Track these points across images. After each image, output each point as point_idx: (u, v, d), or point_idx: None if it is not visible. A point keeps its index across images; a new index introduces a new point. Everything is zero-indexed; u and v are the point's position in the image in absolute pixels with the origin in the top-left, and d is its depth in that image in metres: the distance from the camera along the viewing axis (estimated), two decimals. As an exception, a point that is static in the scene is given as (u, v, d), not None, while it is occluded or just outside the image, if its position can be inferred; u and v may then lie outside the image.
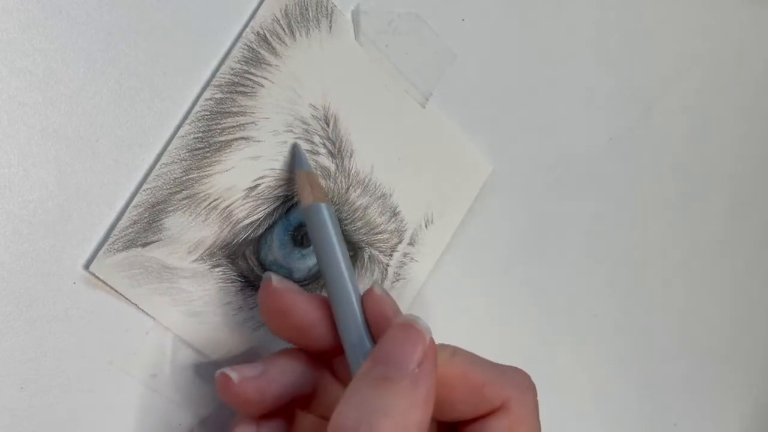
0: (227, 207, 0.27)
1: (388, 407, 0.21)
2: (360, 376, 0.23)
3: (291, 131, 0.28)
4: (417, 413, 0.22)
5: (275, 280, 0.26)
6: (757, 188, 0.46)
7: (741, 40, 0.43)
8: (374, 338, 0.25)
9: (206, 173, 0.27)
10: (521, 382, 0.25)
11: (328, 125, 0.29)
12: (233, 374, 0.25)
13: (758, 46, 0.43)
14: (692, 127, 0.42)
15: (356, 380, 0.23)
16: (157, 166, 0.26)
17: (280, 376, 0.26)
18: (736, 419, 0.49)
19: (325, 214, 0.26)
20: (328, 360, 0.27)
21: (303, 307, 0.26)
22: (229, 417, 0.29)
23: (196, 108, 0.26)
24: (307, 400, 0.27)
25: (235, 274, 0.28)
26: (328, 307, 0.26)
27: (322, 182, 0.29)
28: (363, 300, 0.25)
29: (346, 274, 0.26)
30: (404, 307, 0.32)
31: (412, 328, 0.23)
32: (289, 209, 0.28)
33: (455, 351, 0.25)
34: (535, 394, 0.25)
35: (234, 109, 0.27)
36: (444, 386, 0.24)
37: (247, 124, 0.27)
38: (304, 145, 0.28)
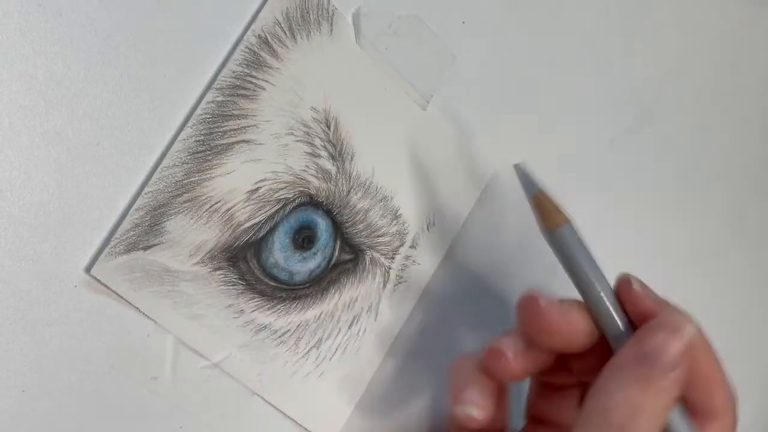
0: (228, 210, 0.27)
1: (648, 406, 0.24)
2: (624, 367, 0.25)
3: (292, 134, 0.28)
4: (668, 411, 0.25)
5: (543, 301, 0.27)
6: (757, 188, 0.46)
7: (741, 40, 0.43)
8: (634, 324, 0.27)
9: (207, 176, 0.27)
10: (732, 401, 0.28)
11: (329, 128, 0.29)
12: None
13: (758, 46, 0.43)
14: (692, 127, 0.42)
15: (620, 371, 0.25)
16: (159, 169, 0.26)
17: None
18: (735, 419, 0.49)
19: (572, 235, 0.28)
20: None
21: (571, 319, 0.27)
22: (231, 420, 0.29)
23: (198, 111, 0.26)
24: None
25: (236, 277, 0.28)
26: (585, 312, 0.27)
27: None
28: (619, 293, 0.27)
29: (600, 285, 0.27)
30: (406, 310, 0.32)
31: (677, 330, 0.25)
32: (290, 212, 0.28)
33: (703, 347, 0.27)
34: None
35: (235, 112, 0.27)
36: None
37: (248, 126, 0.27)
38: (304, 148, 0.28)
